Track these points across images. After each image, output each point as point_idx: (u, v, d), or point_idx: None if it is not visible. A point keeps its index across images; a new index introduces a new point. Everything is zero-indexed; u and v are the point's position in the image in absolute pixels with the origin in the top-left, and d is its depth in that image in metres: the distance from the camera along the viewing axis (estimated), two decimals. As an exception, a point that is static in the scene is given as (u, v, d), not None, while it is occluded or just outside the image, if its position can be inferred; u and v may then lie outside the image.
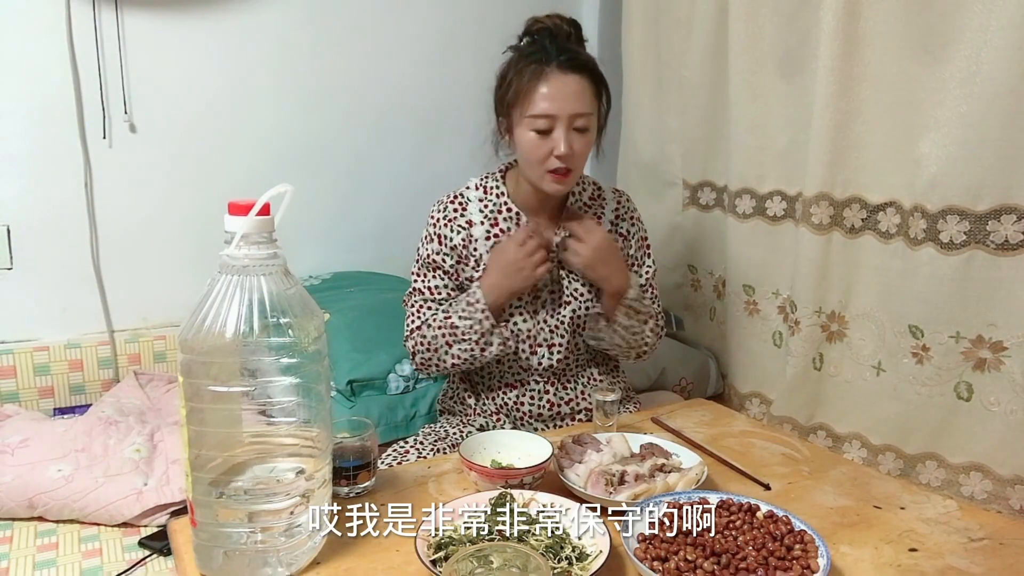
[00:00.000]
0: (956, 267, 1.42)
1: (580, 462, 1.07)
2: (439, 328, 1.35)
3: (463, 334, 1.33)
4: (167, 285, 2.09)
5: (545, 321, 1.40)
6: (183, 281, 2.06)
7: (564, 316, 1.40)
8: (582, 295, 1.40)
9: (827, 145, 1.60)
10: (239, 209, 0.83)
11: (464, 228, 1.40)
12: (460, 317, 1.33)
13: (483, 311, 1.32)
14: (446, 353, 1.35)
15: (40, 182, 1.92)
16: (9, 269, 1.93)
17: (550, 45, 1.29)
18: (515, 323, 1.39)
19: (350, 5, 2.22)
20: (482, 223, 1.40)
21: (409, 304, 1.42)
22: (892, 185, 1.53)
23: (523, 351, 1.40)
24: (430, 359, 1.38)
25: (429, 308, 1.39)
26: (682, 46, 2.02)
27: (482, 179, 1.44)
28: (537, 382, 1.42)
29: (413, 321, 1.40)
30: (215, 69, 2.08)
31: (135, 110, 1.99)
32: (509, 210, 1.40)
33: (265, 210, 0.84)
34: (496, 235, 1.39)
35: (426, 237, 1.42)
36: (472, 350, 1.34)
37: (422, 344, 1.37)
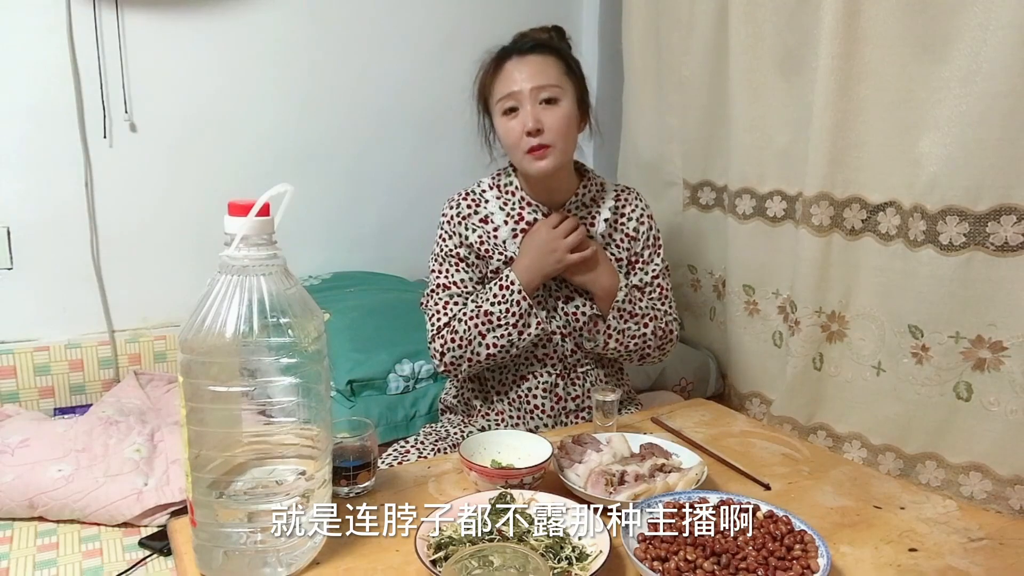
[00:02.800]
0: (956, 267, 1.42)
1: (580, 462, 1.07)
2: (471, 319, 1.32)
3: (499, 319, 1.31)
4: (167, 285, 2.09)
5: (555, 308, 1.39)
6: (183, 281, 2.06)
7: (577, 305, 1.39)
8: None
9: (827, 145, 1.60)
10: (239, 209, 0.83)
11: (480, 225, 1.39)
12: (493, 303, 1.31)
13: (519, 291, 1.31)
14: (480, 344, 1.32)
15: (40, 182, 1.92)
16: (9, 269, 1.93)
17: (515, 40, 1.34)
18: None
19: (350, 5, 2.22)
20: (506, 222, 1.39)
21: (431, 304, 1.38)
22: (892, 185, 1.53)
23: (541, 339, 1.39)
24: (461, 356, 1.34)
25: (456, 303, 1.36)
26: (682, 46, 2.02)
27: (494, 177, 1.43)
28: (550, 374, 1.40)
29: (439, 319, 1.35)
30: (215, 69, 2.08)
31: (135, 110, 1.99)
32: (529, 204, 1.39)
33: (265, 210, 0.84)
34: (523, 229, 1.38)
35: (442, 235, 1.40)
36: (509, 335, 1.32)
37: (453, 341, 1.33)
